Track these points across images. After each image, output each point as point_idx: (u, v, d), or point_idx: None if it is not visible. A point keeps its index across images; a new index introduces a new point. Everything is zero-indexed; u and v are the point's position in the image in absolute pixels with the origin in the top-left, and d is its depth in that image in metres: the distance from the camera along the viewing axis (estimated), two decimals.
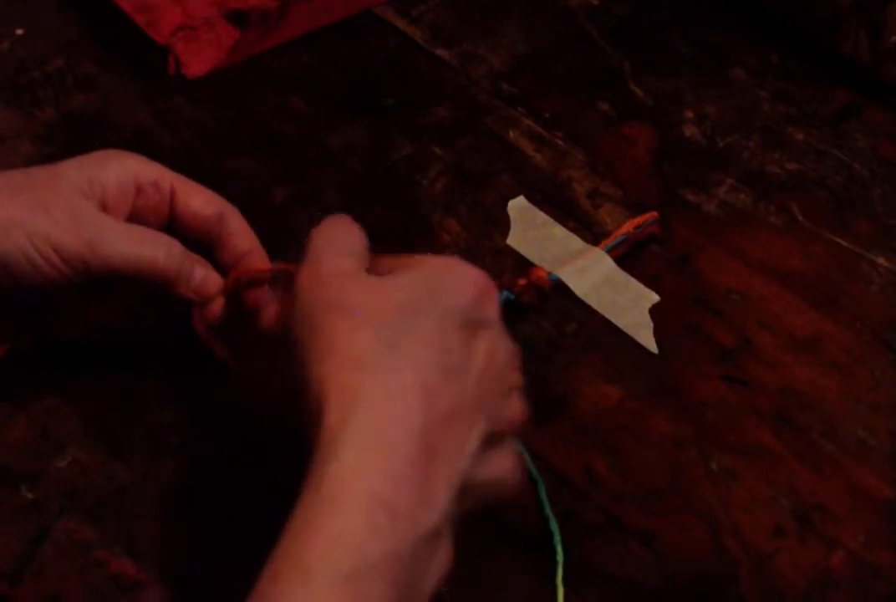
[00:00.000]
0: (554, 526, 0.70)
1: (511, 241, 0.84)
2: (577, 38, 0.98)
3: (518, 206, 0.86)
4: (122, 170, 0.70)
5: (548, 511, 0.71)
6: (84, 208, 0.68)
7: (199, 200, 0.72)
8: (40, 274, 0.66)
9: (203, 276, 0.71)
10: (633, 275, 0.82)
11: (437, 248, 0.83)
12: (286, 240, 0.83)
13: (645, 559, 0.70)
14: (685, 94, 0.94)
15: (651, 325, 0.79)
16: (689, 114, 0.92)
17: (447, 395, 0.56)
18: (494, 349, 0.59)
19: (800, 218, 0.86)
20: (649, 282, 0.82)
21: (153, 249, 0.68)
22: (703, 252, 0.84)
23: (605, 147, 0.90)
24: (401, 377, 0.56)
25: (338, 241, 0.62)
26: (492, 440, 0.58)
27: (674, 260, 0.83)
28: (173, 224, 0.73)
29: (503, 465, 0.59)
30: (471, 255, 0.82)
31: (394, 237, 0.84)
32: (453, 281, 0.59)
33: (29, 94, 0.91)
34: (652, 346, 0.78)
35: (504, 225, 0.85)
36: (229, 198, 0.84)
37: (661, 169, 0.89)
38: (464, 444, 0.56)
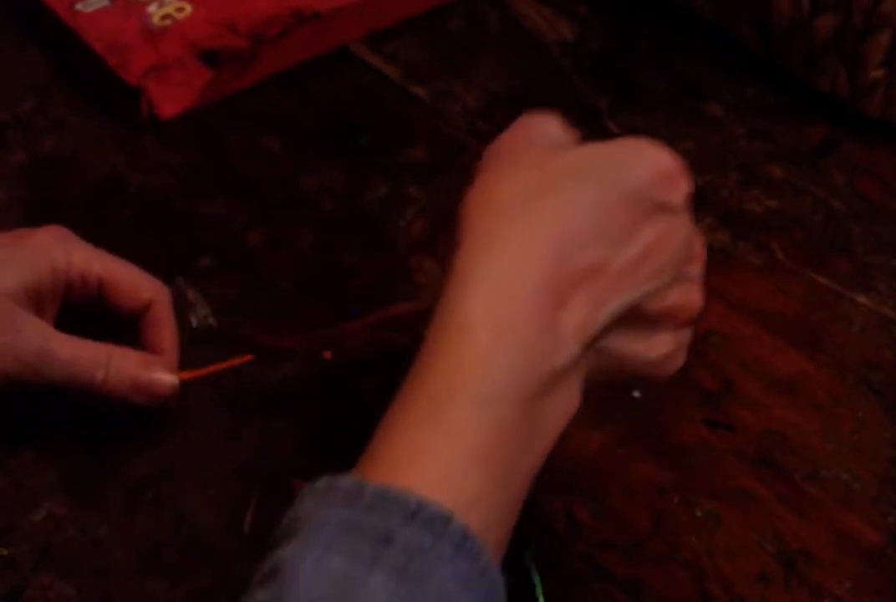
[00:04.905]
0: (536, 578, 0.69)
1: None
2: (552, 75, 0.97)
3: None
4: (53, 266, 0.69)
5: (528, 561, 0.70)
6: (23, 324, 0.67)
7: (126, 291, 0.72)
8: None
9: (149, 381, 0.70)
10: None
11: (414, 290, 0.82)
12: (259, 284, 0.82)
13: None
14: (661, 131, 0.93)
15: None
16: None
17: (588, 255, 0.56)
18: (669, 234, 0.58)
19: (779, 257, 0.85)
20: None
21: (91, 372, 0.68)
22: None
23: None
24: (535, 227, 0.55)
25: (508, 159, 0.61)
26: (639, 319, 0.59)
27: None
28: (101, 309, 0.72)
29: (650, 345, 0.60)
30: None
31: (370, 280, 0.83)
32: (635, 158, 0.59)
33: None
34: (634, 390, 0.78)
35: None
36: (202, 242, 0.84)
37: None
38: (598, 307, 0.56)
